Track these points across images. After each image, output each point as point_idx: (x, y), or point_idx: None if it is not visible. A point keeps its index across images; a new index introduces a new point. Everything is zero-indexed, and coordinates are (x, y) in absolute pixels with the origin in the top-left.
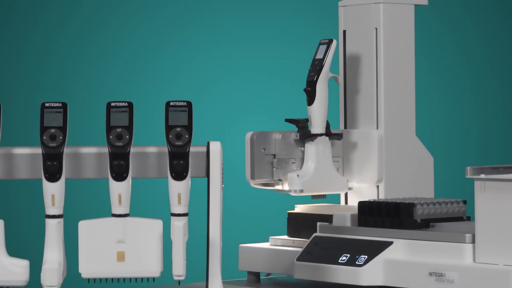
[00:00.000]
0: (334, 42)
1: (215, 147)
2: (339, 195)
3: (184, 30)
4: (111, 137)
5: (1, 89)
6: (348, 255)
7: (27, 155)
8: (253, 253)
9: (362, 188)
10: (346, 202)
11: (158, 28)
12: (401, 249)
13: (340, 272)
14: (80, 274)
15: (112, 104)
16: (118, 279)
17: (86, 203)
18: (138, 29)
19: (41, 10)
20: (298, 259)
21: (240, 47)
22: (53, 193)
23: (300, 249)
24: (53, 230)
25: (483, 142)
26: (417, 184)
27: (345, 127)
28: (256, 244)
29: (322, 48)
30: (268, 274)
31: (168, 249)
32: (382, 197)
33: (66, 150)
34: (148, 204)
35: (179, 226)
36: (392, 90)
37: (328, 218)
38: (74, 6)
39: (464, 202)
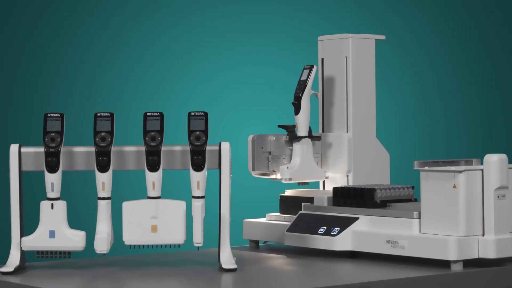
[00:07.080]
0: (315, 67)
1: (225, 146)
2: (318, 182)
3: (203, 58)
4: (147, 138)
5: (64, 102)
6: (325, 228)
7: (84, 152)
8: (254, 226)
9: (336, 177)
10: (323, 188)
11: (183, 58)
12: (365, 223)
13: (319, 240)
14: (123, 242)
15: (148, 114)
16: (152, 245)
17: (128, 189)
18: (169, 58)
19: (95, 42)
20: (288, 230)
21: (245, 70)
22: (103, 181)
23: (289, 223)
24: (103, 209)
25: (427, 142)
26: (377, 174)
27: (323, 131)
28: (256, 219)
29: (306, 71)
30: (265, 242)
31: (190, 223)
32: (351, 183)
33: (113, 149)
34: (175, 189)
35: (198, 206)
36: (358, 103)
37: (310, 200)
38: (120, 40)
39: (413, 187)
